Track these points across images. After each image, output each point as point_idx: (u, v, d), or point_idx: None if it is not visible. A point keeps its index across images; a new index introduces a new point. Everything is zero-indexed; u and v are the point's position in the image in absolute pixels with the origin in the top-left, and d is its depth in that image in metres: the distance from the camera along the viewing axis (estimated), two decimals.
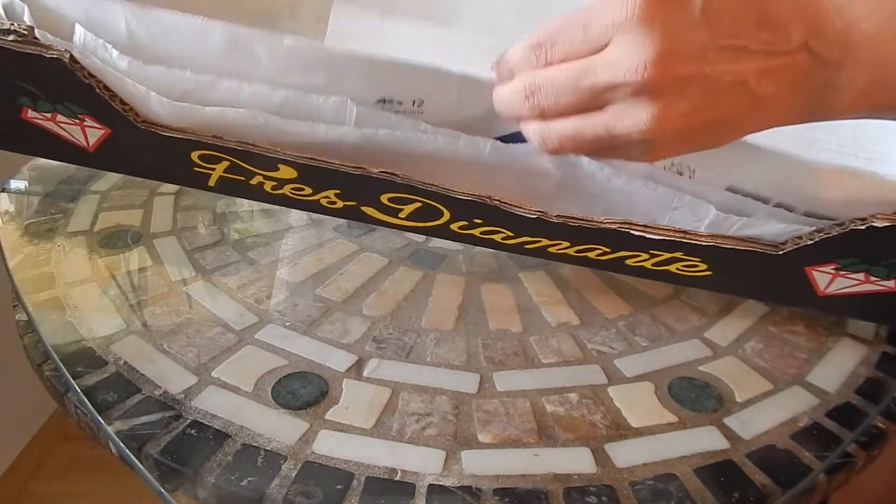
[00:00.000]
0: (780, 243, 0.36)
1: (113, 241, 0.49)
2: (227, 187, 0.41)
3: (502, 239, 0.40)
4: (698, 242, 0.36)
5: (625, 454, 0.34)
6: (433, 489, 0.31)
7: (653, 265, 0.39)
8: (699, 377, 0.39)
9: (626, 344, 0.42)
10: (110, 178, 0.58)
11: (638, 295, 0.47)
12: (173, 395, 0.36)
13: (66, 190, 0.55)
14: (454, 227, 0.39)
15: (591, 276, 0.49)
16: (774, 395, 0.38)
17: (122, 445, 0.33)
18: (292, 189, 0.39)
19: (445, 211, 0.38)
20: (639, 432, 0.35)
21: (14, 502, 1.10)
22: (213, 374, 0.37)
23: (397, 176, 0.35)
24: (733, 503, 0.31)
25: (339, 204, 0.40)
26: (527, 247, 0.40)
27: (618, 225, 0.36)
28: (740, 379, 0.39)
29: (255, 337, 0.40)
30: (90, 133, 0.39)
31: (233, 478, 0.31)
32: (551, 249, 0.40)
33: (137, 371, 0.37)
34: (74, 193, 0.55)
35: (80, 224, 0.51)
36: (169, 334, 0.40)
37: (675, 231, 0.36)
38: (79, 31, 0.35)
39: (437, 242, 0.52)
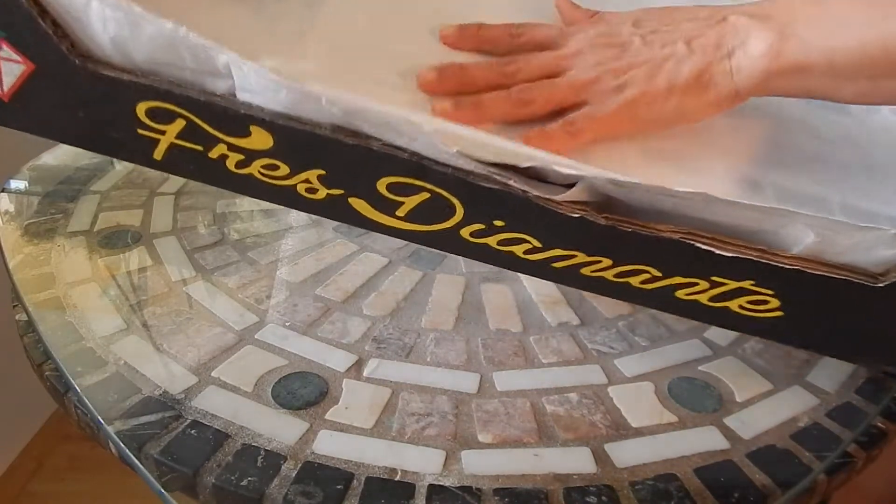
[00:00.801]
0: (879, 274, 0.28)
1: (113, 241, 0.49)
2: (178, 162, 0.32)
3: (525, 253, 0.32)
4: (779, 265, 0.29)
5: (625, 454, 0.34)
6: (433, 489, 0.31)
7: (710, 299, 0.32)
8: (699, 377, 0.39)
9: (626, 344, 0.42)
10: (110, 178, 0.58)
11: None
12: (173, 395, 0.36)
13: (66, 190, 0.55)
14: (465, 232, 0.32)
15: None
16: (774, 395, 0.38)
17: (122, 445, 0.33)
18: (263, 168, 0.31)
19: (458, 206, 0.30)
20: (639, 432, 0.35)
21: (14, 502, 1.10)
22: (213, 374, 0.37)
23: (405, 151, 0.28)
24: (733, 503, 0.31)
25: (321, 192, 0.32)
26: (554, 265, 0.33)
27: (680, 235, 0.29)
28: (740, 379, 0.39)
29: (255, 337, 0.40)
30: (6, 70, 0.30)
31: (233, 478, 0.31)
32: (585, 270, 0.33)
33: (137, 371, 0.37)
34: (74, 193, 0.55)
35: (80, 224, 0.51)
36: (169, 334, 0.40)
37: (752, 249, 0.29)
38: None
39: None
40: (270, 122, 0.29)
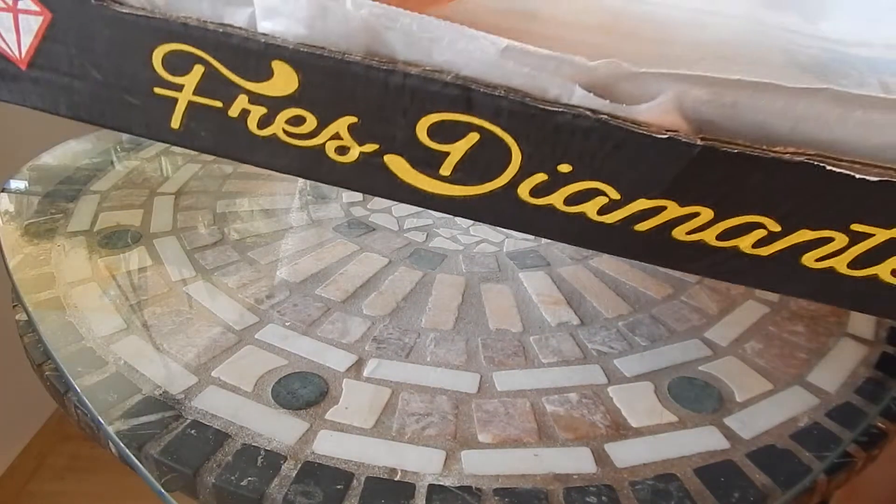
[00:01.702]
0: None
1: (113, 241, 0.49)
2: (198, 128, 0.30)
3: (599, 212, 0.26)
4: None
5: (625, 454, 0.34)
6: (433, 489, 0.31)
7: (850, 264, 0.25)
8: (699, 377, 0.39)
9: (626, 344, 0.42)
10: (110, 178, 0.58)
11: (638, 295, 0.47)
12: (173, 395, 0.36)
13: (66, 190, 0.55)
14: (524, 189, 0.26)
15: (591, 276, 0.49)
16: (774, 395, 0.38)
17: (122, 445, 0.33)
18: (288, 123, 0.28)
19: (515, 148, 0.25)
20: (639, 432, 0.35)
21: (14, 502, 1.10)
22: (213, 374, 0.37)
23: (447, 74, 0.24)
24: (733, 503, 0.31)
25: (354, 152, 0.28)
26: (637, 227, 0.26)
27: (806, 156, 0.22)
28: (740, 379, 0.39)
29: (255, 337, 0.40)
30: (24, 27, 0.29)
31: (233, 478, 0.31)
32: (678, 232, 0.25)
33: (137, 371, 0.37)
34: (74, 193, 0.55)
35: (80, 224, 0.51)
36: (169, 334, 0.40)
37: None
38: None
39: (438, 242, 0.52)
40: (294, 53, 0.26)
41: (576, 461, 0.33)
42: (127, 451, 0.33)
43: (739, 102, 0.23)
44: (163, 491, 0.32)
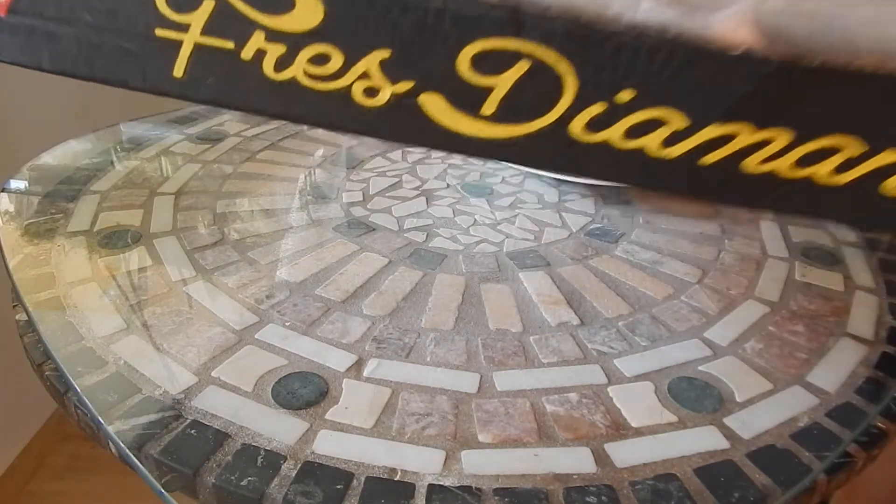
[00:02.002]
0: None
1: (113, 241, 0.49)
2: (205, 74, 0.26)
3: (663, 144, 0.24)
4: None
5: (625, 454, 0.34)
6: (433, 489, 0.31)
7: None
8: (699, 377, 0.39)
9: (626, 344, 0.42)
10: (110, 178, 0.58)
11: (638, 295, 0.47)
12: (173, 395, 0.36)
13: (66, 190, 0.55)
14: (577, 124, 0.24)
15: (591, 276, 0.49)
16: (774, 395, 0.38)
17: (122, 445, 0.33)
18: (310, 63, 0.25)
19: (569, 76, 0.23)
20: (639, 432, 0.35)
21: (14, 502, 1.10)
22: (213, 374, 0.37)
23: None
24: (733, 503, 0.31)
25: (385, 92, 0.25)
26: (704, 161, 0.23)
27: (894, 69, 0.20)
28: (740, 379, 0.39)
29: (255, 337, 0.41)
30: None
31: (233, 478, 0.31)
32: (749, 163, 0.23)
33: (137, 371, 0.37)
34: (74, 193, 0.55)
35: (80, 224, 0.51)
36: (169, 334, 0.40)
37: None
38: None
39: (438, 242, 0.52)
40: None
41: (576, 461, 0.33)
42: (127, 451, 0.33)
43: (819, 11, 0.21)
44: (163, 491, 0.33)
